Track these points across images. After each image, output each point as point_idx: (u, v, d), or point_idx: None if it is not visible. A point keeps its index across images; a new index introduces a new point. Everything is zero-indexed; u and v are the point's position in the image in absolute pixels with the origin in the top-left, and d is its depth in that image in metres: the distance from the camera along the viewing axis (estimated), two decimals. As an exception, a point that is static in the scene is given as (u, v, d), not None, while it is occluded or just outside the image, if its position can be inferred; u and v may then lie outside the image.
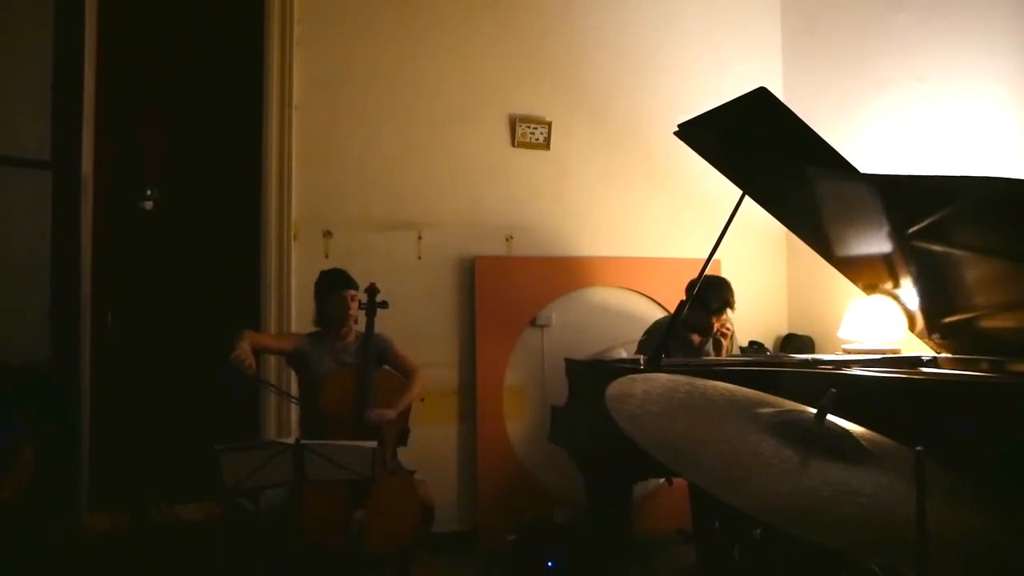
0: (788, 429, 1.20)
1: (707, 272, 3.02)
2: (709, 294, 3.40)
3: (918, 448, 0.94)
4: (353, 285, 3.23)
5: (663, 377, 1.40)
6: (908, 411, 2.27)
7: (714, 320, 3.49)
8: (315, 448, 2.48)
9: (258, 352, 3.13)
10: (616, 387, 1.30)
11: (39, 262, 3.58)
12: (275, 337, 3.31)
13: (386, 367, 3.29)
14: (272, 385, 3.25)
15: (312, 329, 3.31)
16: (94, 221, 3.60)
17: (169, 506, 3.44)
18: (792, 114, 2.59)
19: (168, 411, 3.65)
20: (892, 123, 3.99)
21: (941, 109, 3.74)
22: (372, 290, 3.22)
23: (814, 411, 1.29)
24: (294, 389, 3.43)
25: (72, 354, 3.54)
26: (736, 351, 3.83)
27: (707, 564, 3.43)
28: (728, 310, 3.53)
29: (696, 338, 3.66)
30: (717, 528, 3.45)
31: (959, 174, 2.47)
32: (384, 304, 3.22)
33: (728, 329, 3.60)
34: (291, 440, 2.50)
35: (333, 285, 3.23)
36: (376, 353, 3.24)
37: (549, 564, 3.22)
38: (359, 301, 3.24)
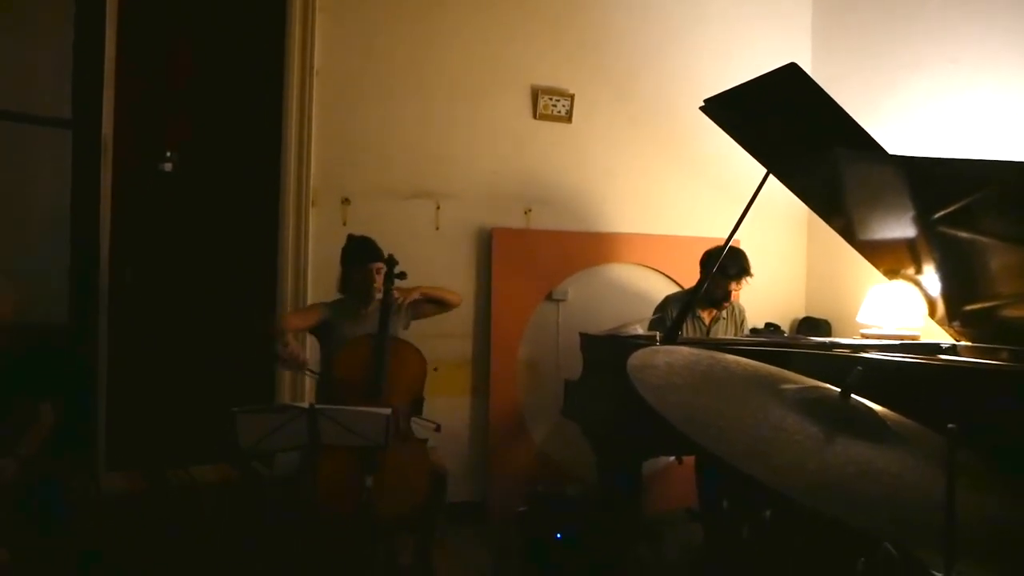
0: (812, 406, 1.19)
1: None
2: (727, 260, 3.40)
3: (950, 425, 0.93)
4: (380, 257, 3.24)
5: (685, 350, 1.38)
6: (927, 397, 2.24)
7: (732, 286, 3.49)
8: (329, 413, 2.49)
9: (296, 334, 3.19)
10: (638, 358, 1.29)
11: (59, 222, 3.59)
12: (303, 315, 3.29)
13: (413, 324, 3.36)
14: (314, 372, 3.26)
15: (334, 295, 3.32)
16: (114, 182, 3.60)
17: (184, 468, 3.48)
18: (822, 92, 2.54)
19: (185, 373, 3.68)
20: (923, 106, 3.91)
21: (974, 93, 3.66)
22: (390, 262, 3.22)
23: (837, 389, 1.28)
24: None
25: (90, 315, 3.57)
26: (746, 332, 3.82)
27: (714, 543, 3.44)
28: (746, 277, 3.52)
29: (706, 317, 3.66)
30: (725, 508, 3.45)
31: (990, 158, 2.43)
32: (402, 275, 3.22)
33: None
34: (305, 404, 2.52)
35: (361, 257, 3.24)
36: (410, 314, 3.33)
37: (558, 536, 3.23)
38: None
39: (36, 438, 2.82)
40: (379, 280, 3.21)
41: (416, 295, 3.29)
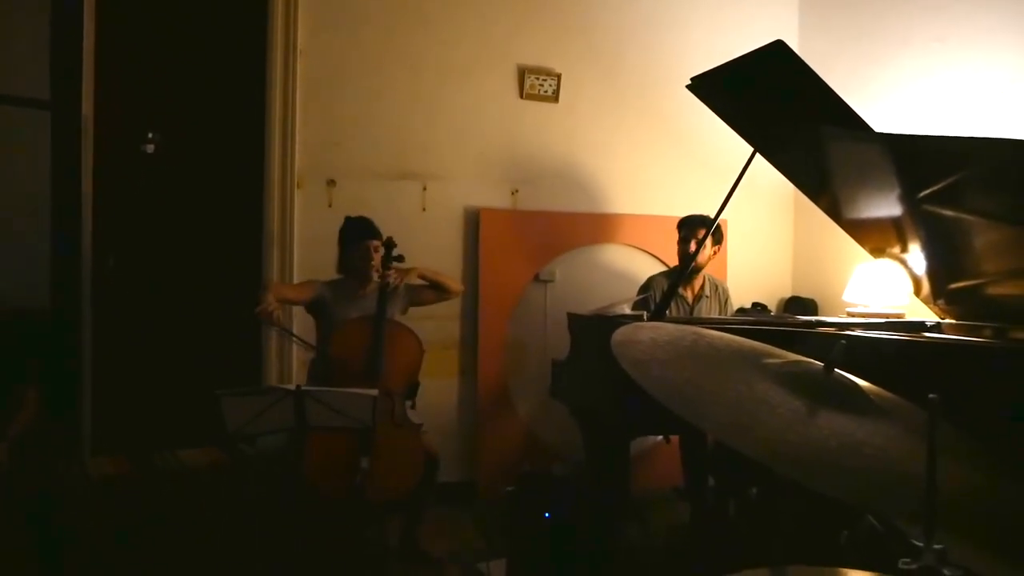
0: (796, 380, 1.19)
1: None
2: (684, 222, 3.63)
3: (931, 395, 0.93)
4: (378, 235, 3.24)
5: (669, 326, 1.38)
6: (911, 373, 2.26)
7: (695, 238, 3.50)
8: (316, 395, 2.48)
9: (281, 303, 3.15)
10: (622, 334, 1.29)
11: (40, 205, 3.54)
12: (296, 288, 3.30)
13: (410, 311, 3.35)
14: (296, 336, 3.24)
15: (333, 275, 3.31)
16: (95, 164, 3.56)
17: (172, 451, 3.47)
18: (809, 69, 2.53)
19: (170, 356, 3.66)
20: (911, 84, 3.91)
21: (961, 71, 3.66)
22: (389, 244, 3.21)
23: (821, 364, 1.28)
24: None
25: (73, 298, 3.53)
26: (731, 312, 3.83)
27: (701, 521, 3.47)
28: (700, 229, 3.51)
29: (689, 295, 3.67)
30: (711, 486, 3.48)
31: (975, 136, 2.43)
32: (400, 258, 3.22)
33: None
34: (292, 386, 2.50)
35: (357, 235, 3.23)
36: (408, 299, 3.32)
37: (546, 516, 3.25)
38: None
39: (22, 421, 2.80)
40: (377, 259, 3.20)
41: (413, 276, 3.27)
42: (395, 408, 3.04)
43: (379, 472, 2.76)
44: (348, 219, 3.32)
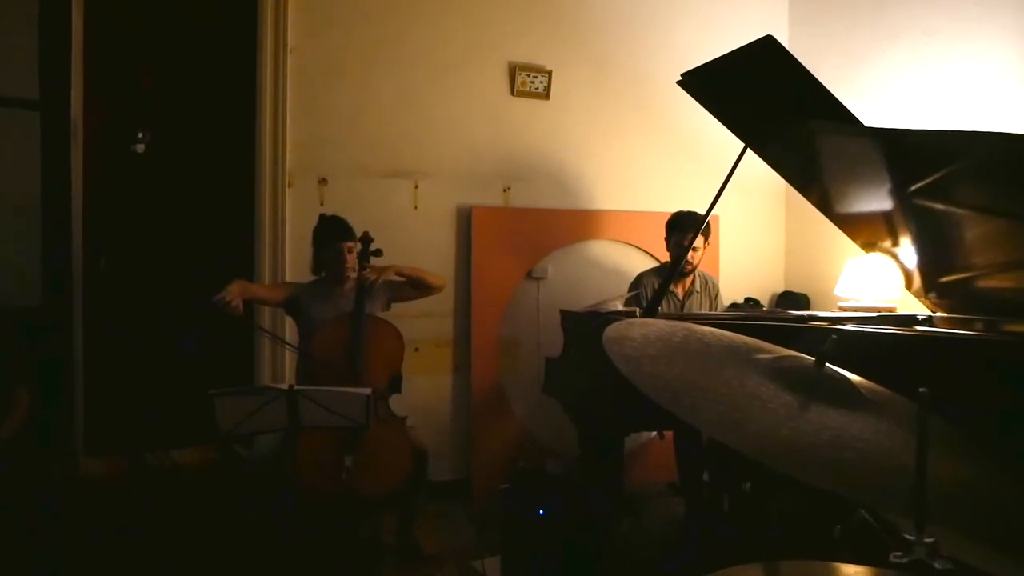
0: (787, 374, 1.19)
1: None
2: (674, 224, 3.58)
3: (922, 389, 0.93)
4: (351, 236, 3.20)
5: (661, 322, 1.38)
6: (903, 367, 2.26)
7: (685, 243, 3.39)
8: (309, 394, 2.47)
9: (251, 302, 3.13)
10: (613, 330, 1.28)
11: (30, 205, 3.52)
12: (269, 288, 3.29)
13: (393, 307, 3.33)
14: (265, 330, 3.23)
15: (309, 277, 3.30)
16: (85, 164, 3.54)
17: (165, 451, 3.46)
18: (799, 65, 2.54)
19: (162, 356, 3.64)
20: (900, 78, 3.92)
21: (949, 65, 3.67)
22: (366, 239, 3.19)
23: (812, 359, 1.28)
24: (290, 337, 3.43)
25: (65, 299, 3.52)
26: (722, 307, 3.84)
27: (695, 516, 3.48)
28: (690, 234, 3.40)
29: (679, 291, 3.67)
30: (706, 482, 3.49)
31: (964, 129, 2.43)
32: (378, 252, 3.20)
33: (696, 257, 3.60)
34: (285, 386, 2.50)
35: (330, 237, 3.21)
36: (388, 295, 3.29)
37: (540, 512, 3.25)
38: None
39: (13, 421, 2.79)
40: (351, 259, 3.18)
41: (390, 273, 3.25)
42: (377, 403, 3.03)
43: (365, 468, 2.75)
44: (322, 218, 3.28)
